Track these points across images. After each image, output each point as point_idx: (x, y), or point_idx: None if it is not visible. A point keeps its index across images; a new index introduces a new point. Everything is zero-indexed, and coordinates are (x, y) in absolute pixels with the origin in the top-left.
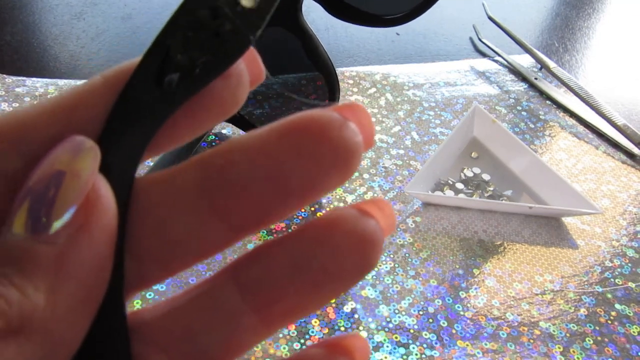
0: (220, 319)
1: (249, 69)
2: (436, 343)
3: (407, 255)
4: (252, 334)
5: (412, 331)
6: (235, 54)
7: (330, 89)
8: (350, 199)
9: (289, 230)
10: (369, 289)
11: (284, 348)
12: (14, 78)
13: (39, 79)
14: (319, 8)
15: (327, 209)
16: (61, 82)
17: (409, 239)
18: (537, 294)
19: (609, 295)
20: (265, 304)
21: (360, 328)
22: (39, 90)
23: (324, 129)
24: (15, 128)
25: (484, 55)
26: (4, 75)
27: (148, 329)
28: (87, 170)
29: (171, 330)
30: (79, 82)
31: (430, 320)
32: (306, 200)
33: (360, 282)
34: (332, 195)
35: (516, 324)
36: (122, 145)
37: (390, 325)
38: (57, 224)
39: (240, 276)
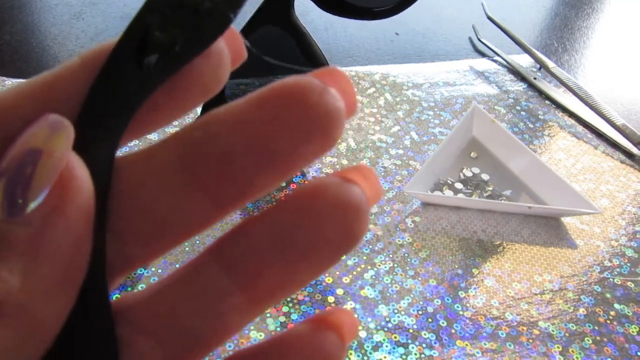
0: (206, 299)
1: (230, 48)
2: (435, 343)
3: (406, 255)
4: (239, 314)
5: (411, 331)
6: (215, 33)
7: None
8: None
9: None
10: (368, 289)
11: None
12: (14, 80)
13: None
14: (318, 8)
15: None
16: None
17: (408, 239)
18: (536, 294)
19: (608, 295)
20: (250, 280)
21: (360, 328)
22: None
23: (304, 95)
24: None
25: (483, 55)
26: (4, 77)
27: (133, 312)
28: (60, 149)
29: (156, 313)
30: None
31: (430, 320)
32: (290, 170)
33: (360, 282)
34: None
35: (515, 323)
36: (101, 125)
37: (390, 325)
38: (32, 205)
39: (224, 254)
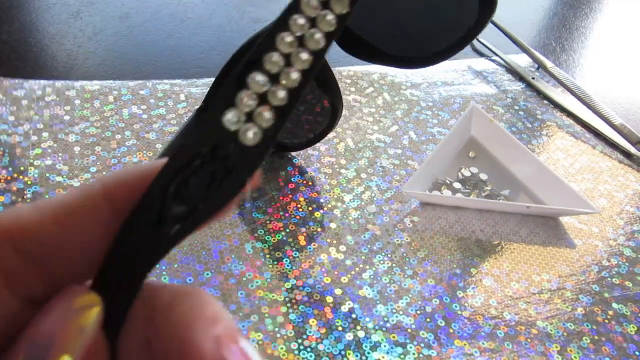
0: None
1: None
2: (434, 342)
3: (404, 254)
4: None
5: (409, 330)
6: (230, 196)
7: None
8: (347, 198)
9: (286, 230)
10: (366, 289)
11: (282, 348)
12: (12, 81)
13: (37, 81)
14: None
15: (326, 208)
16: (59, 83)
17: (407, 239)
18: (534, 293)
19: (606, 295)
20: None
21: (358, 327)
22: (36, 92)
23: None
24: (17, 229)
25: (481, 55)
26: (2, 77)
27: None
28: (90, 326)
29: None
30: (77, 83)
31: (428, 320)
32: None
33: (358, 282)
34: (329, 195)
35: (513, 323)
36: (118, 292)
37: (388, 325)
38: None
39: None
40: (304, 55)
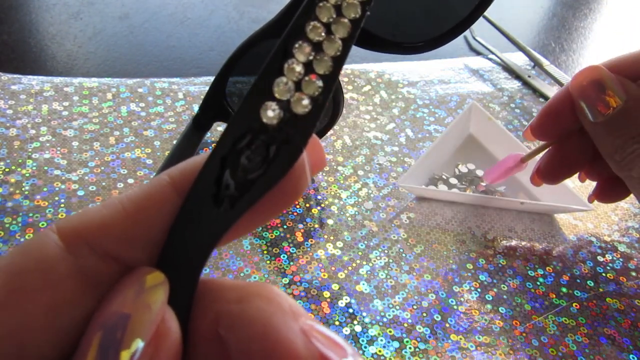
0: None
1: (311, 157)
2: (430, 337)
3: (401, 250)
4: None
5: (406, 325)
6: (287, 165)
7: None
8: (345, 195)
9: (284, 227)
10: (363, 284)
11: None
12: (10, 76)
13: (35, 77)
14: None
15: (322, 205)
16: (57, 79)
17: (403, 235)
18: (529, 289)
19: (601, 290)
20: None
21: (355, 322)
22: (34, 87)
23: None
24: (92, 228)
25: (478, 53)
26: (0, 73)
27: None
28: (157, 303)
29: None
30: (75, 80)
31: (424, 315)
32: None
33: (355, 277)
34: (326, 192)
35: (509, 317)
36: (183, 269)
37: (385, 320)
38: (127, 357)
39: None
40: (344, 23)
